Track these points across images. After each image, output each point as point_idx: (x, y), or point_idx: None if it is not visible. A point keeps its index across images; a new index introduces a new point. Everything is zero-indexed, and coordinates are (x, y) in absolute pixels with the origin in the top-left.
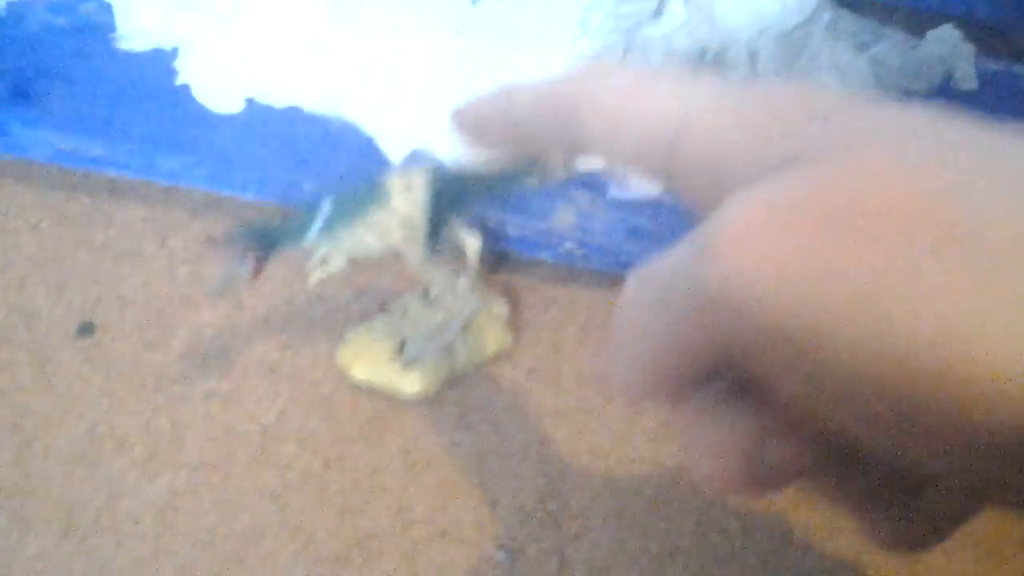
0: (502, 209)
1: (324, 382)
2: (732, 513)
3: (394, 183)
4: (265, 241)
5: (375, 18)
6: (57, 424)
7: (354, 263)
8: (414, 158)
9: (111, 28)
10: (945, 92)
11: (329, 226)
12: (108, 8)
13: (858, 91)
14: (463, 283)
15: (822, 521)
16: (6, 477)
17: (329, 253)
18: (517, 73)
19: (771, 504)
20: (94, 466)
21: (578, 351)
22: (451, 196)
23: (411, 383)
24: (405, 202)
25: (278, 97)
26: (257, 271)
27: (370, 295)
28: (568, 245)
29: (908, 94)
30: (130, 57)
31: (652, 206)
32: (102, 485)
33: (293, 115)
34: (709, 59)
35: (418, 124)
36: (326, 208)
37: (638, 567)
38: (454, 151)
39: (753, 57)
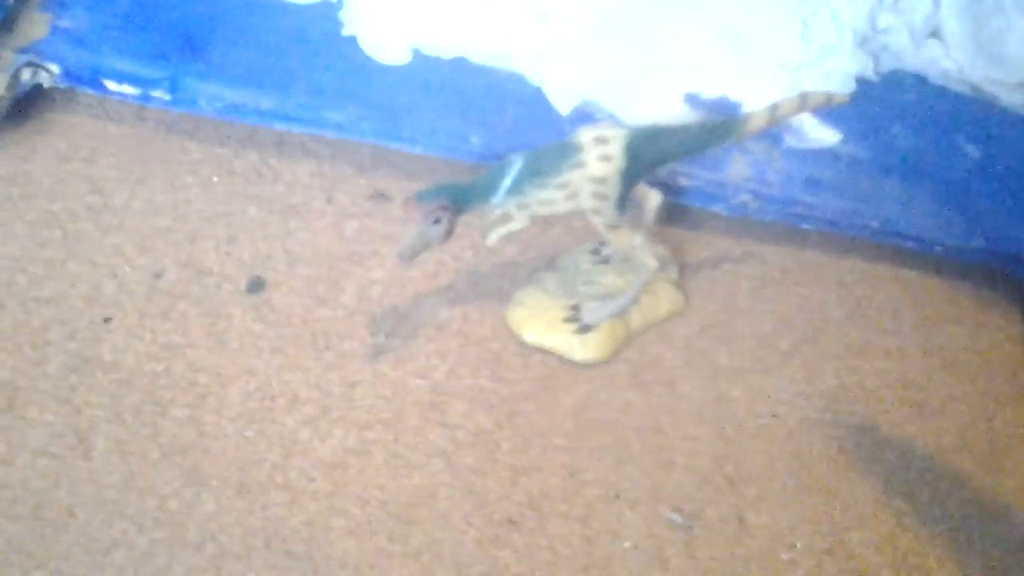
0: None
1: (494, 340)
2: (921, 478)
3: (588, 140)
4: (457, 200)
5: None
6: (230, 381)
7: (534, 221)
8: (583, 109)
9: None
10: None
11: (519, 186)
12: None
13: None
14: (639, 241)
15: (1015, 486)
16: (181, 434)
17: (512, 212)
18: (682, 19)
19: (960, 468)
20: (267, 423)
21: (754, 307)
22: (645, 156)
23: (585, 349)
24: (599, 161)
25: (444, 48)
26: (449, 232)
27: (538, 250)
28: (743, 196)
29: None
30: (297, 8)
31: (830, 155)
32: (275, 443)
33: (460, 66)
34: (888, 2)
35: (586, 75)
36: (517, 166)
37: (821, 533)
38: (622, 102)
39: None
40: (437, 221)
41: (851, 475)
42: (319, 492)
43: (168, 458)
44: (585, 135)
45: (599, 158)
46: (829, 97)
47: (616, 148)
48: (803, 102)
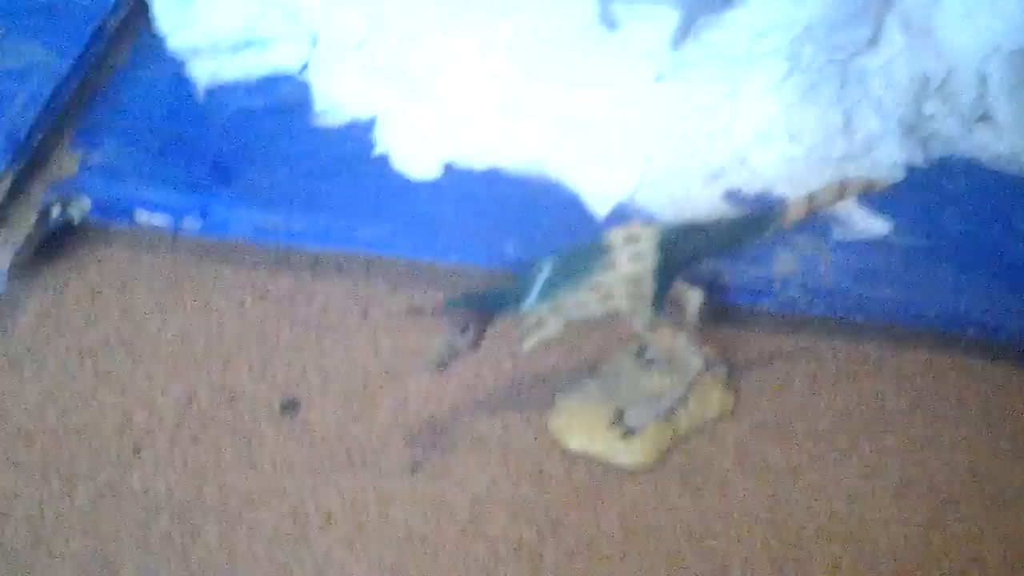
0: (718, 258)
1: (535, 450)
2: (995, 573)
3: (618, 240)
4: (485, 307)
5: (571, 72)
6: (262, 503)
7: (570, 326)
8: (620, 212)
9: (308, 106)
10: None
11: (549, 289)
12: (305, 87)
13: None
14: (683, 341)
15: None
16: (211, 560)
17: (545, 316)
18: (720, 117)
19: None
20: (300, 545)
21: (808, 403)
22: (678, 253)
23: (632, 453)
24: (631, 260)
25: (477, 160)
26: (478, 339)
27: (580, 356)
28: (791, 292)
29: None
30: (327, 132)
31: (881, 245)
32: (308, 563)
33: (493, 177)
34: (933, 88)
35: (622, 178)
36: (546, 270)
37: None
38: (660, 203)
39: (982, 81)
40: (465, 329)
41: (919, 574)
42: None
43: None
44: (615, 234)
45: (631, 258)
46: (870, 183)
47: (648, 246)
48: (843, 189)
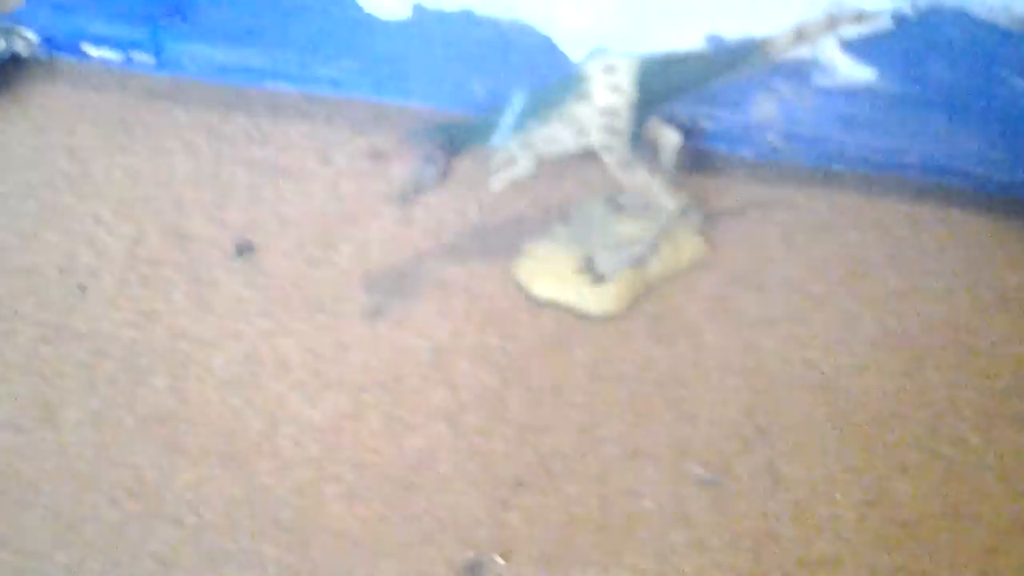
0: (696, 102)
1: (501, 297)
2: (971, 423)
3: (596, 71)
4: (454, 139)
5: None
6: (215, 347)
7: (542, 164)
8: (600, 54)
9: None
10: None
11: (522, 121)
12: None
13: None
14: (658, 183)
15: None
16: (161, 404)
17: (516, 153)
18: None
19: (1015, 410)
20: (254, 389)
21: (785, 254)
22: (657, 86)
23: (601, 300)
24: (608, 91)
25: (448, 1)
26: (445, 172)
27: (550, 203)
28: (771, 138)
29: None
30: None
31: (865, 92)
32: (262, 409)
33: (464, 18)
34: None
35: (599, 20)
36: (519, 102)
37: (863, 484)
38: (638, 47)
39: None
40: (430, 161)
41: (894, 422)
42: (310, 459)
43: (145, 429)
44: (592, 65)
45: (608, 88)
46: (860, 15)
47: (626, 78)
48: (831, 22)
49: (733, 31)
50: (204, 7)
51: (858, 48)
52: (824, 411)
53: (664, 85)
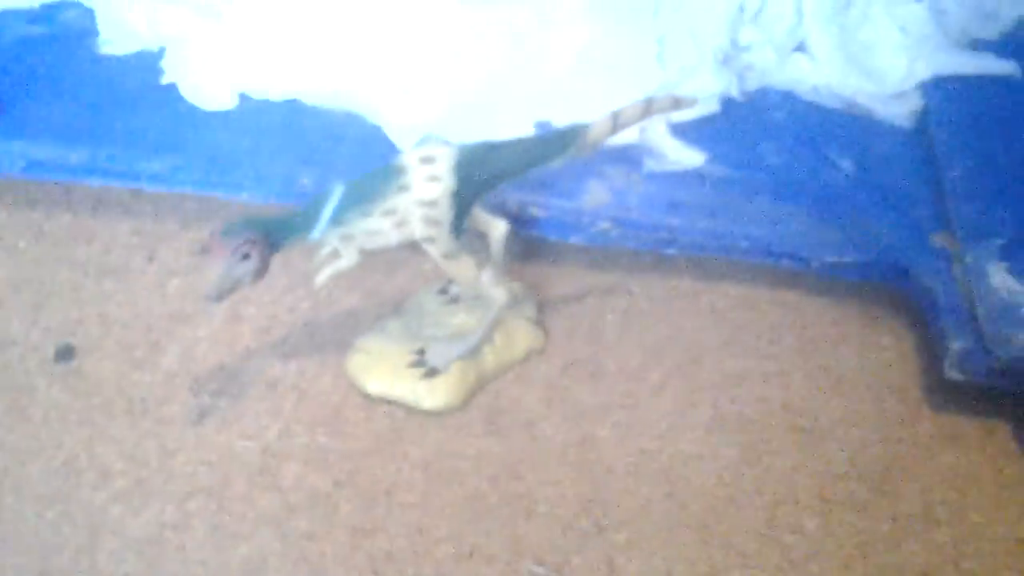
0: (526, 191)
1: (333, 394)
2: (809, 508)
3: (413, 161)
4: (270, 234)
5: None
6: (31, 458)
7: (367, 258)
8: (426, 143)
9: (94, 34)
10: (1019, 36)
11: (341, 215)
12: (90, 14)
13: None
14: (487, 275)
15: (912, 511)
16: None
17: (338, 246)
18: (530, 45)
19: (852, 494)
20: (72, 502)
21: (620, 341)
22: (476, 174)
23: (434, 395)
24: (426, 182)
25: (274, 90)
26: (261, 269)
27: (382, 296)
28: (603, 224)
29: (975, 43)
30: (114, 61)
31: (694, 176)
32: (81, 523)
33: (291, 108)
34: (748, 17)
35: (427, 108)
36: (337, 195)
37: None
38: (469, 135)
39: (798, 10)
40: (246, 257)
41: (732, 510)
42: (131, 574)
43: None
44: (409, 156)
45: (427, 179)
46: (676, 100)
47: (444, 167)
48: (648, 107)
49: (562, 119)
50: (21, 102)
51: (688, 132)
52: (661, 501)
53: (484, 173)
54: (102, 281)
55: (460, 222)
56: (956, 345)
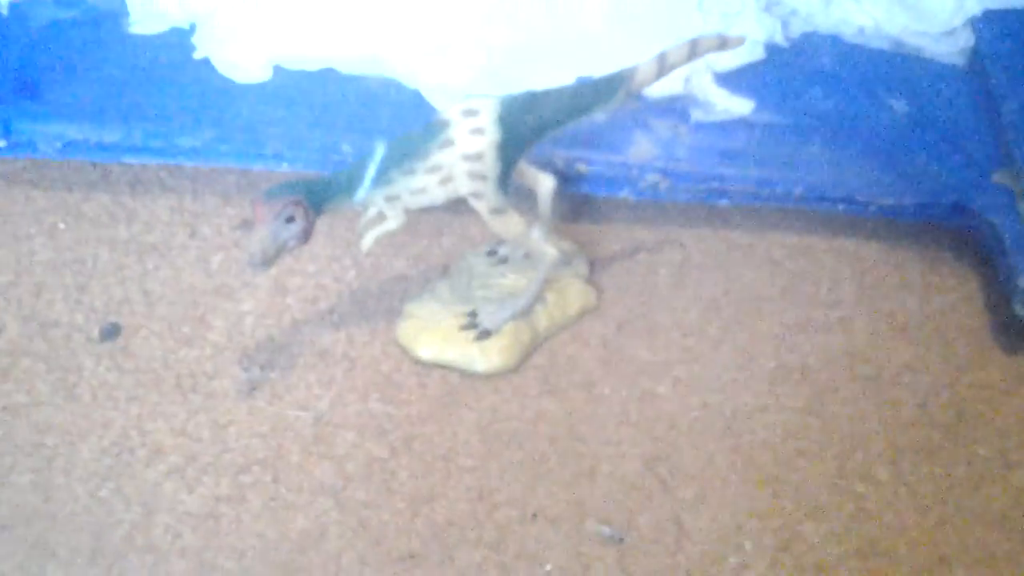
0: (572, 147)
1: (385, 361)
2: (880, 457)
3: (456, 115)
4: (314, 196)
5: None
6: (81, 437)
7: (412, 222)
8: (459, 101)
9: (124, 15)
10: None
11: (385, 174)
12: None
13: None
14: (536, 232)
15: (987, 454)
16: (24, 503)
17: (383, 208)
18: (568, 2)
19: (924, 441)
20: (125, 479)
21: (675, 296)
22: (521, 125)
23: (488, 357)
24: (470, 135)
25: (309, 60)
26: (307, 231)
27: (430, 260)
28: (651, 177)
29: None
30: (145, 40)
31: (743, 125)
32: (134, 500)
33: (328, 77)
34: None
35: (467, 70)
36: (379, 154)
37: (772, 529)
38: (508, 93)
39: None
40: (290, 219)
41: (801, 462)
42: (187, 549)
43: (8, 531)
44: (452, 111)
45: (470, 132)
46: (723, 40)
47: (488, 119)
48: (694, 47)
49: (603, 72)
50: (53, 84)
51: (733, 81)
52: (727, 456)
53: (529, 124)
54: (144, 259)
55: (507, 176)
56: None
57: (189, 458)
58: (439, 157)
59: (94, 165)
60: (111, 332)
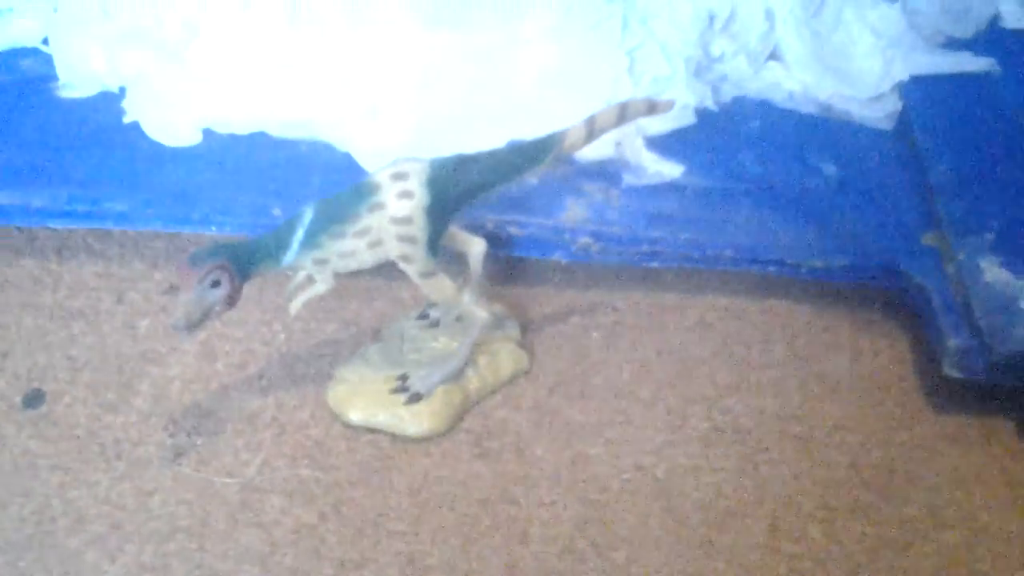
0: (503, 210)
1: (314, 426)
2: (812, 517)
3: (385, 179)
4: (240, 260)
5: (337, 22)
6: (1, 507)
7: (342, 286)
8: (398, 163)
9: (53, 78)
10: (992, 34)
11: (313, 238)
12: (49, 59)
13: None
14: (466, 295)
15: (917, 513)
16: None
17: (313, 272)
18: (498, 63)
19: (856, 501)
20: (46, 549)
21: (608, 358)
22: (450, 188)
23: (418, 421)
24: (400, 199)
25: (240, 124)
26: (233, 295)
27: (361, 324)
28: (583, 240)
29: (950, 41)
30: (73, 104)
31: (674, 188)
32: (55, 570)
33: (258, 140)
34: (719, 27)
35: (397, 132)
36: (308, 217)
37: None
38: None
39: (769, 17)
40: (216, 284)
41: (733, 522)
42: None
43: None
44: (381, 174)
45: (399, 195)
46: (651, 104)
47: (417, 182)
48: (623, 111)
49: (534, 135)
50: None
51: (664, 145)
52: (659, 517)
53: (459, 186)
54: (70, 325)
55: (436, 239)
56: (954, 343)
57: (112, 527)
58: (368, 220)
59: (20, 230)
60: (34, 399)
